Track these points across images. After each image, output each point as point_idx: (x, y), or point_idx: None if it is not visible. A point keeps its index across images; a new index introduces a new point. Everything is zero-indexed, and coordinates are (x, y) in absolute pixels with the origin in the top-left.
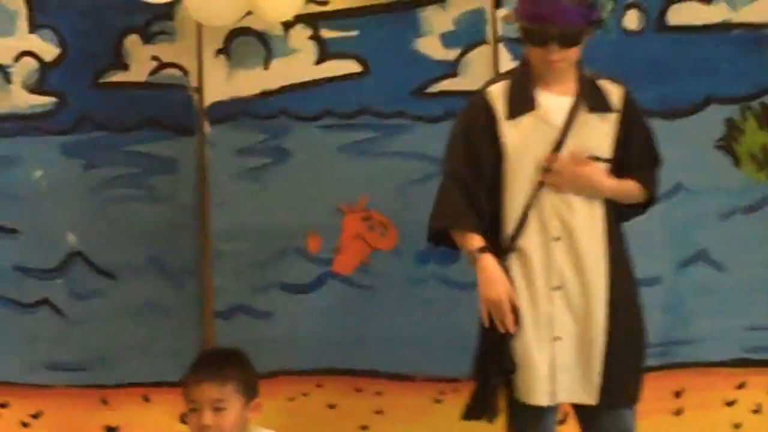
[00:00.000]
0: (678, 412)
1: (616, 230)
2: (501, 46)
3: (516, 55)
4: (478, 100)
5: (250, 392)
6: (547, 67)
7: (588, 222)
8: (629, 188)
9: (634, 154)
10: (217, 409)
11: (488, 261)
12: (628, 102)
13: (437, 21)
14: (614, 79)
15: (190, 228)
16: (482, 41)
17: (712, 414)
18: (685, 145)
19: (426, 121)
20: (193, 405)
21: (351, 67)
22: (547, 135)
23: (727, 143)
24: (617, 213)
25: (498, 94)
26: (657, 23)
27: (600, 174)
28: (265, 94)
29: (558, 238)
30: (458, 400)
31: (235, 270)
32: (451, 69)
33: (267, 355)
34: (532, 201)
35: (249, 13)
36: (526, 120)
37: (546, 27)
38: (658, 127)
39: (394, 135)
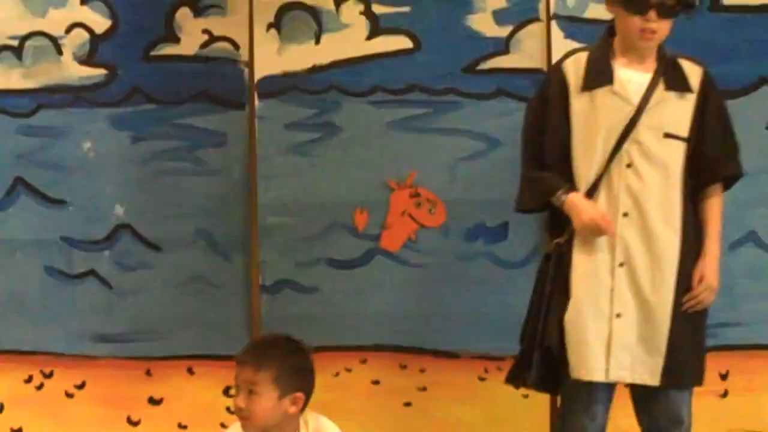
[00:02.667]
0: (724, 395)
1: (692, 210)
2: (554, 24)
3: (568, 33)
4: (553, 72)
5: (289, 384)
6: (641, 37)
7: (662, 200)
8: (718, 221)
9: (713, 134)
10: (251, 392)
11: (574, 197)
12: (708, 83)
13: None
14: (694, 59)
15: (239, 202)
16: (535, 18)
17: (758, 397)
18: (738, 126)
19: (477, 98)
20: (235, 384)
21: (402, 42)
22: (622, 110)
23: None
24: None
25: (574, 66)
26: (712, 2)
27: (713, 267)
28: (315, 69)
29: (626, 214)
30: (503, 378)
31: (282, 245)
32: (503, 46)
33: (312, 330)
34: (602, 174)
35: None
36: (601, 93)
37: None
38: None
39: (445, 112)
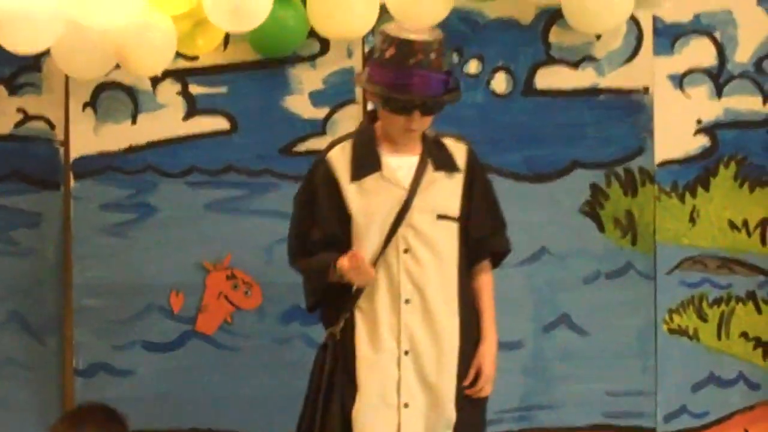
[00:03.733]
0: None
1: (467, 292)
2: (370, 106)
3: None
4: (319, 167)
5: None
6: (404, 133)
7: (441, 283)
8: (491, 301)
9: (479, 212)
10: None
11: (340, 261)
12: (473, 160)
13: (307, 80)
14: (457, 137)
15: (53, 283)
16: (351, 100)
17: None
18: (550, 208)
19: (293, 180)
20: None
21: (219, 123)
22: (394, 195)
23: (592, 208)
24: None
25: (339, 157)
26: (525, 86)
27: (491, 356)
28: (131, 149)
29: (408, 301)
30: None
31: (97, 327)
32: (319, 128)
33: (127, 413)
34: (378, 260)
35: (117, 66)
36: (371, 180)
37: (412, 97)
38: (524, 190)
39: (261, 193)
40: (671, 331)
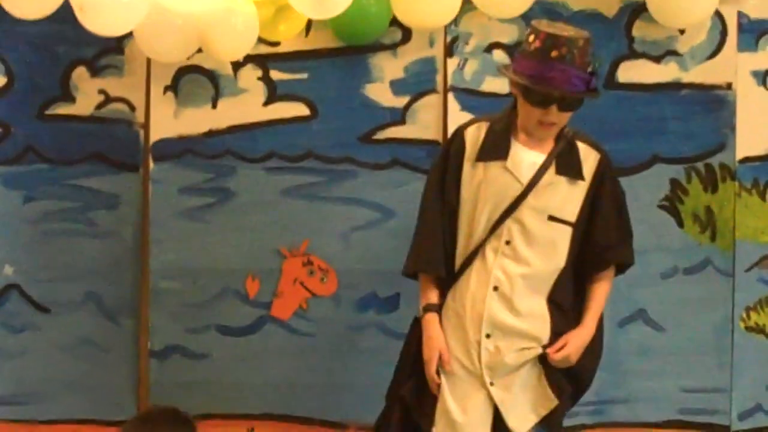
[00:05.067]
0: None
1: (565, 296)
2: (450, 96)
3: (464, 105)
4: (455, 136)
5: None
6: (539, 128)
7: (537, 280)
8: (601, 303)
9: (606, 221)
10: None
11: (429, 321)
12: (604, 169)
13: (388, 68)
14: (593, 143)
15: (129, 265)
16: (432, 90)
17: None
18: (630, 203)
19: (372, 168)
20: None
21: (299, 109)
22: (511, 187)
23: (671, 203)
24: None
25: (475, 134)
26: (607, 80)
27: (580, 341)
28: (211, 134)
29: (496, 288)
30: None
31: (172, 310)
32: (399, 116)
33: (200, 396)
34: (480, 246)
35: (199, 50)
36: (494, 167)
37: (551, 90)
38: None
39: (340, 180)
40: (748, 328)
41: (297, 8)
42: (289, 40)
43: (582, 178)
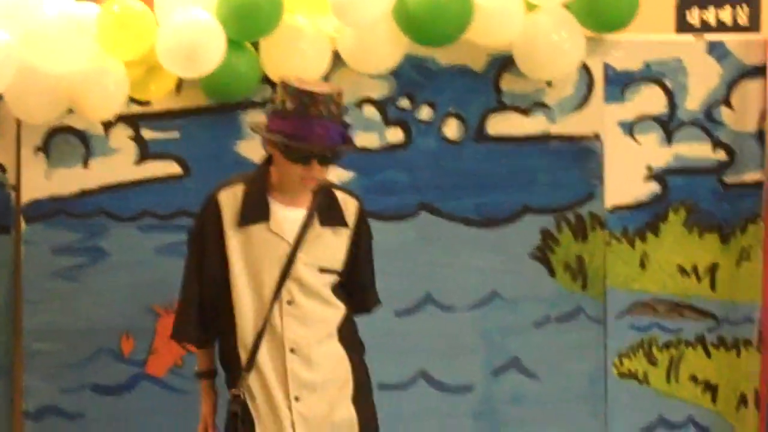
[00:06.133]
0: None
1: (351, 335)
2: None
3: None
4: (208, 203)
5: None
6: (300, 183)
7: (326, 331)
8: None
9: (360, 269)
10: None
11: (203, 387)
12: (362, 216)
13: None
14: (349, 191)
15: (3, 326)
16: None
17: None
18: (501, 253)
19: None
20: None
21: (172, 168)
22: (278, 247)
23: (543, 253)
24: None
25: (231, 199)
26: (477, 133)
27: None
28: (83, 194)
29: (293, 350)
30: None
31: (47, 370)
32: None
33: None
34: (266, 312)
35: (70, 111)
36: (257, 230)
37: (312, 147)
38: (475, 235)
39: None
40: (621, 374)
41: (167, 68)
42: (160, 98)
43: (346, 225)
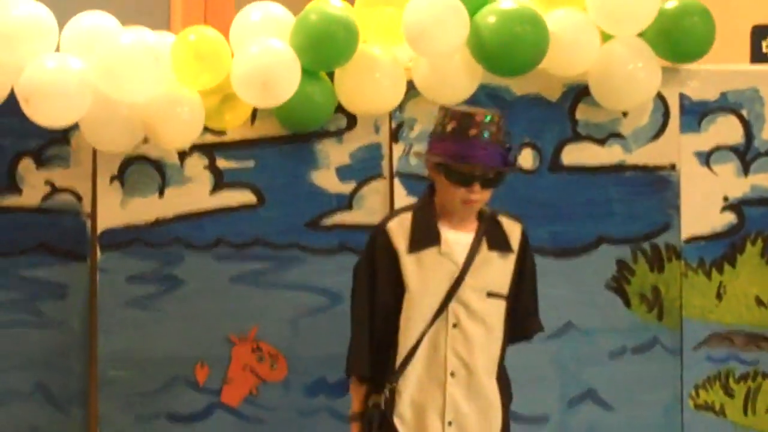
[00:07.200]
0: None
1: (506, 374)
2: (396, 181)
3: (410, 190)
4: (378, 237)
5: None
6: (463, 206)
7: (486, 357)
8: None
9: (525, 294)
10: None
11: (353, 428)
12: (525, 241)
13: (333, 154)
14: (513, 216)
15: (78, 354)
16: (378, 175)
17: None
18: (576, 284)
19: (319, 254)
20: None
21: (246, 197)
22: (448, 270)
23: (618, 283)
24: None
25: (398, 229)
26: (552, 163)
27: None
28: (158, 222)
29: (453, 374)
30: None
31: (121, 399)
32: (346, 202)
33: None
34: (425, 333)
35: (145, 140)
36: (428, 254)
37: (473, 167)
38: (550, 265)
39: (287, 266)
40: (697, 406)
41: (242, 97)
42: (235, 128)
43: (512, 250)
